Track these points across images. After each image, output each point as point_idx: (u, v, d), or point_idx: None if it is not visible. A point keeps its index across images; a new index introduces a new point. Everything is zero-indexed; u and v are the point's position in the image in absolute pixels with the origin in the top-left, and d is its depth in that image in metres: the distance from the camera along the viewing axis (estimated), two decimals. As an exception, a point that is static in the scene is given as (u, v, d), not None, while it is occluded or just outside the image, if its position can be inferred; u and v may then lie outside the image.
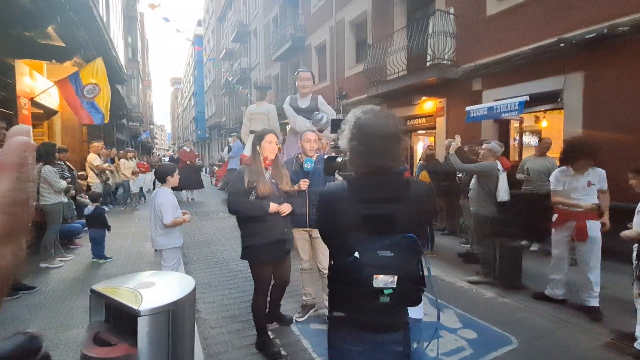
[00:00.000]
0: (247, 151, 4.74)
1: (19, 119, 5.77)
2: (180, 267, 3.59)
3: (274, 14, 17.88)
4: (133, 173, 9.58)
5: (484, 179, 4.19)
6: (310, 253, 3.17)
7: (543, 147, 5.35)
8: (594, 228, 3.27)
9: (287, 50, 15.05)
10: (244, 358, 2.65)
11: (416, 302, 1.25)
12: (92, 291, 1.79)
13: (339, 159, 1.58)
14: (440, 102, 7.97)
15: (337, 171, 1.63)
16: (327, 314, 3.13)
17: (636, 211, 2.76)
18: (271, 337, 2.82)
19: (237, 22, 23.15)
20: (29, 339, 0.47)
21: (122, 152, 10.29)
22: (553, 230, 3.59)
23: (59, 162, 5.27)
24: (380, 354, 1.27)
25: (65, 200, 4.97)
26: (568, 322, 3.19)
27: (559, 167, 3.59)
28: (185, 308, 1.78)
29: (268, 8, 18.87)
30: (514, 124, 6.89)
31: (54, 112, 7.97)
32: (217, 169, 15.48)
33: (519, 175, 5.43)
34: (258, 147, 2.61)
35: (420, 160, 7.13)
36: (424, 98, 8.45)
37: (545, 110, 6.14)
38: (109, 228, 4.99)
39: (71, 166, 6.15)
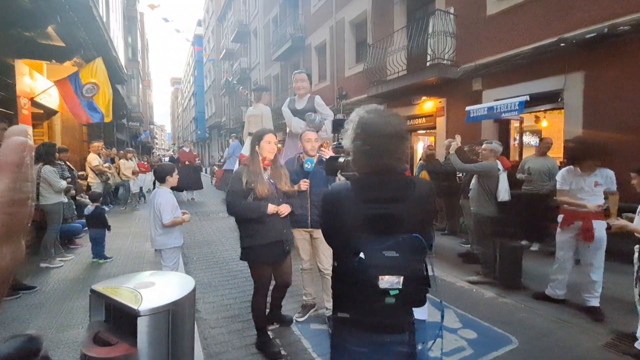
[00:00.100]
0: (246, 151, 4.74)
1: (19, 119, 5.77)
2: (180, 267, 3.59)
3: (274, 14, 17.86)
4: (133, 173, 9.59)
5: (485, 178, 4.19)
6: (311, 253, 3.17)
7: (544, 147, 5.33)
8: (600, 228, 3.25)
9: (287, 50, 15.05)
10: (244, 358, 2.64)
11: (421, 302, 1.24)
12: (92, 291, 1.79)
13: (341, 159, 1.57)
14: (440, 102, 7.97)
15: (339, 171, 1.62)
16: (328, 314, 3.13)
17: (637, 212, 2.75)
18: (271, 337, 2.82)
19: (237, 22, 23.14)
20: (28, 341, 0.46)
21: (122, 152, 10.30)
22: (558, 230, 3.55)
23: (59, 162, 5.27)
24: (385, 355, 1.25)
25: (66, 200, 4.97)
26: (568, 322, 3.19)
27: (560, 166, 3.58)
28: (185, 308, 1.78)
29: (268, 8, 18.86)
30: (514, 124, 6.88)
31: (54, 112, 7.98)
32: (217, 169, 15.49)
33: (519, 175, 5.43)
34: (257, 147, 2.59)
35: (420, 160, 7.14)
36: (424, 98, 8.45)
37: (545, 110, 6.14)
38: (109, 228, 4.99)
39: (71, 166, 6.16)
